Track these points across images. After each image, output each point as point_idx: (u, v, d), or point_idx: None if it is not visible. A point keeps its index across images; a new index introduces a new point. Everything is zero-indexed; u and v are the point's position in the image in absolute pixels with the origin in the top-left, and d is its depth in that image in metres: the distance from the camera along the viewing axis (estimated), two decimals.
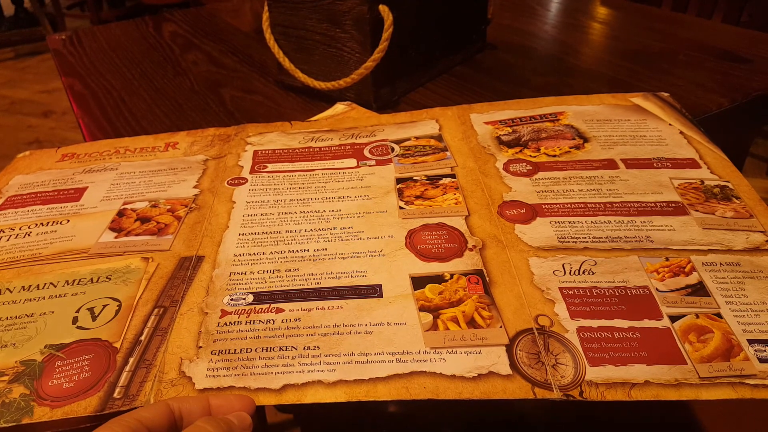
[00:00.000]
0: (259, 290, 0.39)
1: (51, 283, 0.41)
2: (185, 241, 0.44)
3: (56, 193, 0.52)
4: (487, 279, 0.40)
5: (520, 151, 0.53)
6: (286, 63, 0.67)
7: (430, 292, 0.39)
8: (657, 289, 0.39)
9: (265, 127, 0.61)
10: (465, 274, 0.40)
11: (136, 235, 0.45)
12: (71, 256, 0.44)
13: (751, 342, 0.35)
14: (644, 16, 0.95)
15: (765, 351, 0.35)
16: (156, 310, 0.38)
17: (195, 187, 0.51)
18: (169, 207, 0.48)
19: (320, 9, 0.63)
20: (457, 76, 0.74)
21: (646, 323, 0.37)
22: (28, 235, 0.46)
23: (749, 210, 0.45)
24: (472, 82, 0.72)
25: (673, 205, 0.46)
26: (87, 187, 0.53)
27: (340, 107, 0.65)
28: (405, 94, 0.70)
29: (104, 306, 0.38)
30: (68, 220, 0.48)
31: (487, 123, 0.58)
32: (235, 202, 0.48)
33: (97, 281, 0.41)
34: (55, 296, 0.40)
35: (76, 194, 0.51)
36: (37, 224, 0.48)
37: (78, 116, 0.65)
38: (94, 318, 0.37)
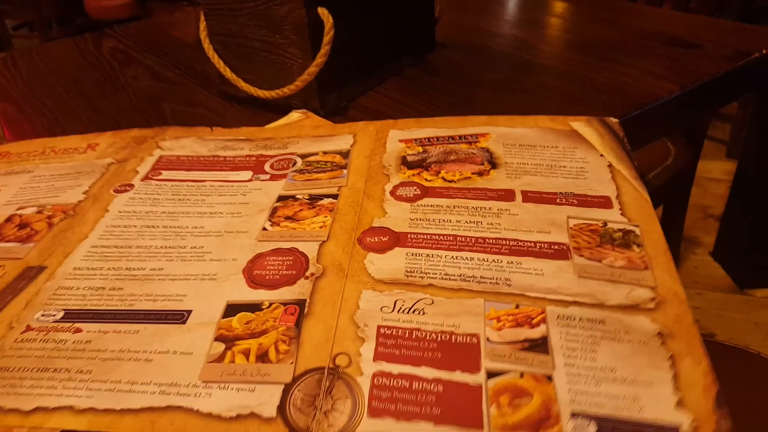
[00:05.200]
0: (73, 308, 0.38)
1: None
2: (42, 250, 0.44)
3: None
4: (306, 310, 0.36)
5: (418, 173, 0.49)
6: (228, 73, 0.66)
7: (237, 322, 0.36)
8: (488, 338, 0.34)
9: (185, 131, 0.60)
10: (285, 304, 0.37)
11: (8, 241, 0.46)
12: None
13: (574, 415, 0.30)
14: (596, 8, 0.92)
15: (587, 428, 0.29)
16: None
17: (84, 193, 0.51)
18: (50, 213, 0.49)
19: (258, 15, 0.62)
20: (408, 78, 0.71)
21: (457, 376, 0.32)
22: None
23: (647, 261, 0.39)
24: (423, 83, 0.70)
25: (556, 247, 0.40)
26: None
27: (295, 115, 0.63)
28: (354, 99, 0.67)
29: None
30: None
31: (401, 140, 0.54)
32: (108, 211, 0.48)
33: None
34: None
35: None
36: None
37: (10, 141, 0.65)
38: None
